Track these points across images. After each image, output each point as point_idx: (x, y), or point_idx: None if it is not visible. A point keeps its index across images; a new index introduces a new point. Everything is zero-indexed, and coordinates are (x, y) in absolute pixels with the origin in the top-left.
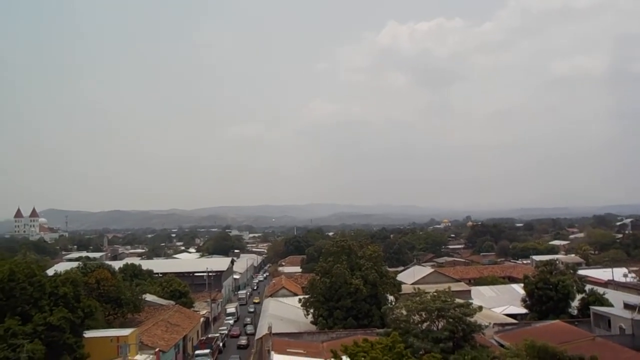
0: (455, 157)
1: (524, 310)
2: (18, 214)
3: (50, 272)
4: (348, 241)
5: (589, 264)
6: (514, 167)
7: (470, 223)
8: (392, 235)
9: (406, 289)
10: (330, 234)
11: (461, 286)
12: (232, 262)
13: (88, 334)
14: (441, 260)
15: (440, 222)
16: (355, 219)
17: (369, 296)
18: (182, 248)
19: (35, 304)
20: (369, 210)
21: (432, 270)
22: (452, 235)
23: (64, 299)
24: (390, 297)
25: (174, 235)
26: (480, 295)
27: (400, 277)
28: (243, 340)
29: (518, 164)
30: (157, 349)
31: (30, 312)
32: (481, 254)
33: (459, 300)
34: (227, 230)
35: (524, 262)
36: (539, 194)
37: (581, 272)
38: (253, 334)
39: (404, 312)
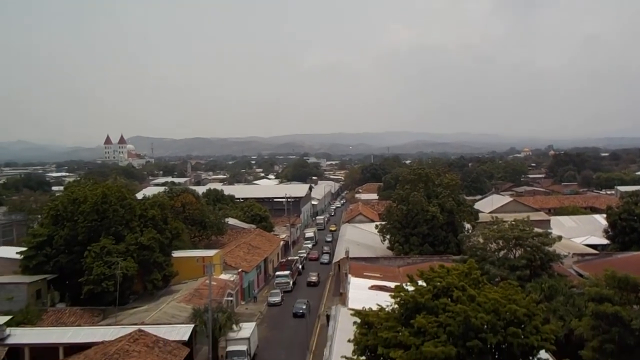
0: (539, 84)
1: (605, 241)
2: (107, 141)
3: (139, 196)
4: (425, 169)
5: None
6: (601, 95)
7: (552, 152)
8: (470, 164)
9: (483, 217)
10: (407, 162)
11: (540, 216)
12: (310, 188)
13: (176, 253)
14: (520, 189)
15: (520, 151)
16: (433, 147)
17: (446, 224)
18: (262, 174)
19: (127, 225)
20: (446, 139)
21: (510, 199)
22: (533, 165)
23: (152, 220)
24: (467, 225)
25: (253, 162)
26: (560, 225)
27: (477, 205)
28: (314, 277)
29: (605, 92)
30: (240, 270)
31: (123, 233)
32: (562, 183)
33: (537, 230)
34: (304, 158)
35: (608, 192)
36: (628, 123)
37: None
38: (330, 260)
39: (481, 240)
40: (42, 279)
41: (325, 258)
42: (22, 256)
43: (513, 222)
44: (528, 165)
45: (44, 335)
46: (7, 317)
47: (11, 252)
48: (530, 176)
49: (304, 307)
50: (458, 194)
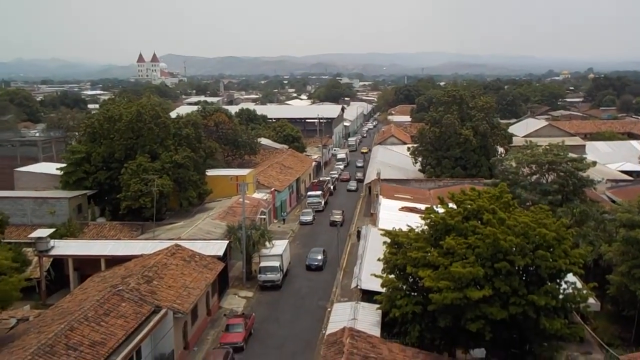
0: (580, 3)
1: None
2: (140, 59)
3: (172, 114)
4: (460, 91)
5: None
6: None
7: (591, 75)
8: (506, 87)
9: (517, 141)
10: (442, 83)
11: (575, 141)
12: (343, 109)
13: (210, 172)
14: (557, 113)
15: (559, 73)
16: (468, 68)
17: (479, 147)
18: (294, 95)
19: (162, 144)
20: (482, 60)
21: (545, 123)
22: (571, 88)
23: (187, 139)
24: (500, 149)
25: (285, 82)
26: (595, 150)
27: (511, 129)
28: (338, 216)
29: None
30: (272, 189)
31: (158, 151)
32: (601, 108)
33: (572, 155)
34: (337, 78)
35: None
36: None
37: None
38: (362, 180)
39: (514, 164)
40: (83, 194)
41: (352, 185)
42: (62, 172)
43: (547, 147)
44: (566, 89)
45: (86, 247)
46: (51, 230)
47: (51, 168)
48: (568, 100)
49: (320, 257)
50: (492, 117)
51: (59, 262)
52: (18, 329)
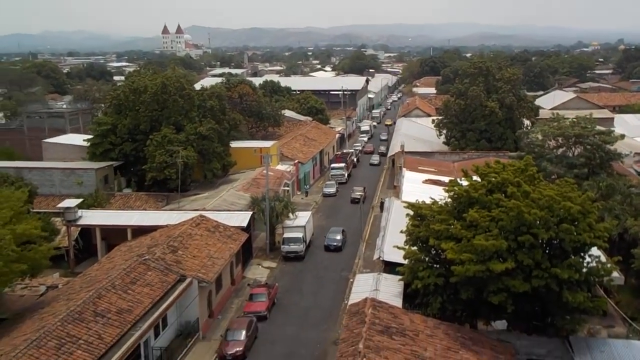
0: None
1: None
2: (165, 31)
3: (197, 86)
4: (486, 63)
5: None
6: None
7: (622, 47)
8: (533, 58)
9: (544, 114)
10: (468, 55)
11: (604, 113)
12: (367, 81)
13: (234, 144)
14: (585, 85)
15: (588, 45)
16: (495, 39)
17: (504, 119)
18: (318, 66)
19: (186, 115)
20: (510, 31)
21: (573, 95)
22: (600, 60)
23: (211, 111)
24: (526, 122)
25: (310, 53)
26: (624, 123)
27: (538, 101)
28: (359, 192)
29: None
30: (296, 161)
31: (182, 123)
32: (631, 80)
33: (599, 128)
34: (362, 50)
35: None
36: None
37: None
38: (385, 154)
39: (540, 137)
40: (109, 165)
41: (375, 159)
42: (88, 144)
43: (574, 120)
44: (595, 61)
45: (113, 217)
46: (79, 200)
47: (78, 139)
48: (597, 72)
49: (339, 237)
50: (519, 89)
51: (87, 232)
52: (48, 296)
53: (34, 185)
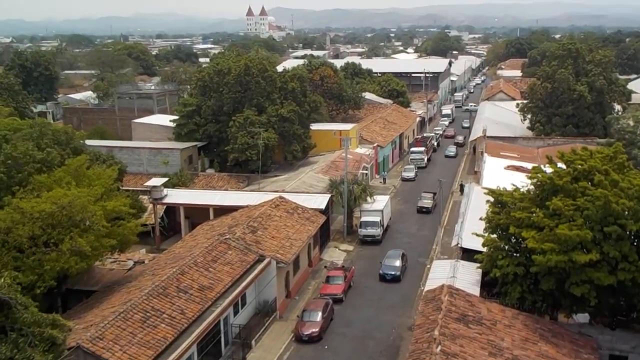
0: None
1: None
2: (249, 13)
3: (279, 68)
4: (576, 44)
5: None
6: None
7: None
8: (627, 39)
9: (637, 99)
10: (557, 36)
11: None
12: (450, 63)
13: (314, 126)
14: None
15: None
16: (587, 20)
17: (593, 104)
18: (400, 48)
19: (268, 97)
20: (602, 11)
21: None
22: None
23: (292, 93)
24: (617, 107)
25: (392, 35)
26: None
27: (631, 85)
28: (427, 200)
29: None
30: (375, 144)
31: (264, 104)
32: None
33: None
34: (446, 31)
35: None
36: None
37: None
38: (462, 145)
39: (631, 123)
40: (193, 145)
41: (451, 150)
42: (174, 124)
43: None
44: None
45: (196, 196)
46: (164, 179)
47: (165, 120)
48: None
49: (397, 264)
50: (610, 72)
51: (172, 210)
52: (135, 270)
53: (124, 164)
